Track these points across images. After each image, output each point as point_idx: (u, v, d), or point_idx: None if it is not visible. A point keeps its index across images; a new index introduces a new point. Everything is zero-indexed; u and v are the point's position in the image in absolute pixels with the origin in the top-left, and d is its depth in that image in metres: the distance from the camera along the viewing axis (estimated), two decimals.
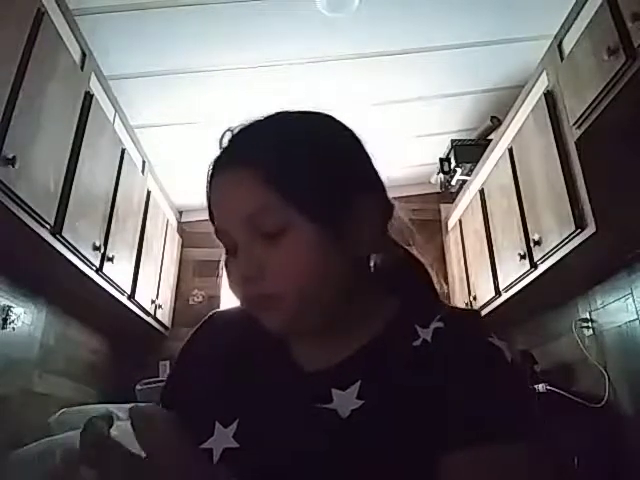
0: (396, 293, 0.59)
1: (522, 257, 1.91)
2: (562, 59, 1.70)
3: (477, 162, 2.52)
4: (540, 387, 1.89)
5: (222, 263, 0.56)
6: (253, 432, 0.52)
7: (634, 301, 1.75)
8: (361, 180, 0.54)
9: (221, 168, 0.53)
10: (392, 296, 0.59)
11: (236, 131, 0.55)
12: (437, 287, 0.62)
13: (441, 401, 0.46)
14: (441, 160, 2.75)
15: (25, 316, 1.80)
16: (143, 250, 2.32)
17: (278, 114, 0.55)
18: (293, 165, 0.49)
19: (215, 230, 0.55)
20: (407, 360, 0.51)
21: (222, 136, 0.55)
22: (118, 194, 1.98)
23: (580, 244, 1.59)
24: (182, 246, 3.18)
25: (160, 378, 2.58)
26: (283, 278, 0.49)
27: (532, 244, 1.85)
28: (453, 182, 2.75)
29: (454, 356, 0.49)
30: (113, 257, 1.88)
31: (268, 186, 0.48)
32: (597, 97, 1.44)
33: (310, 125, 0.55)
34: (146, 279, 2.37)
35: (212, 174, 0.54)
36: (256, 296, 0.51)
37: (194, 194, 3.26)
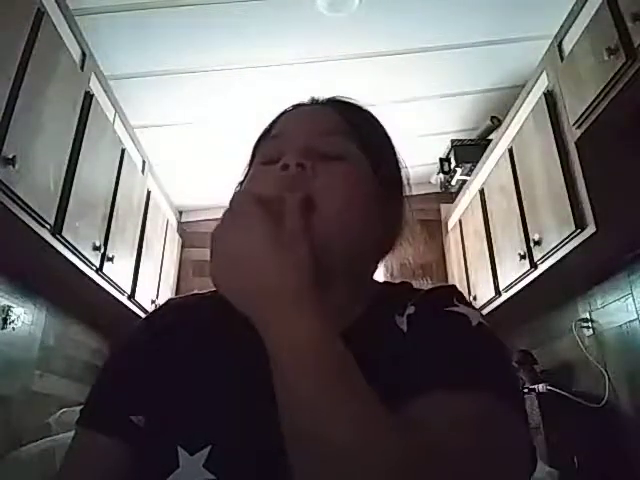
0: (380, 282, 0.60)
1: (522, 257, 1.91)
2: (562, 59, 1.70)
3: (477, 162, 2.52)
4: (540, 387, 1.89)
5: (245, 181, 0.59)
6: (231, 457, 0.43)
7: (634, 301, 1.75)
8: (397, 157, 0.66)
9: (307, 104, 0.65)
10: (377, 283, 0.60)
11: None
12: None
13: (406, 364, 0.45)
14: (441, 160, 2.75)
15: (25, 316, 1.80)
16: (143, 250, 2.32)
17: None
18: (365, 119, 0.63)
19: (274, 134, 0.58)
20: (386, 351, 0.48)
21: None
22: (118, 194, 1.98)
23: (580, 244, 1.59)
24: (182, 246, 3.18)
25: None
26: (331, 195, 0.49)
27: (532, 244, 1.85)
28: (453, 182, 2.75)
29: (421, 325, 0.49)
30: (113, 257, 1.88)
31: (345, 121, 0.58)
32: (597, 97, 1.44)
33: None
34: (146, 279, 2.37)
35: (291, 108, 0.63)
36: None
37: (194, 194, 3.29)
